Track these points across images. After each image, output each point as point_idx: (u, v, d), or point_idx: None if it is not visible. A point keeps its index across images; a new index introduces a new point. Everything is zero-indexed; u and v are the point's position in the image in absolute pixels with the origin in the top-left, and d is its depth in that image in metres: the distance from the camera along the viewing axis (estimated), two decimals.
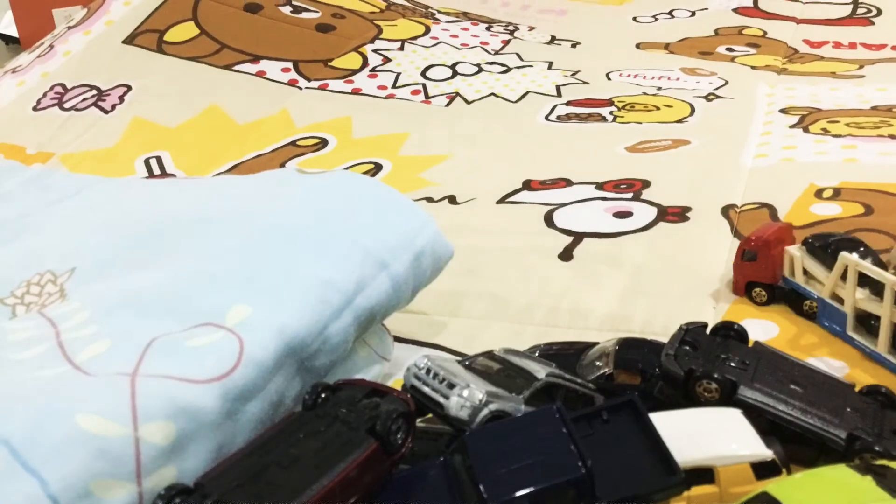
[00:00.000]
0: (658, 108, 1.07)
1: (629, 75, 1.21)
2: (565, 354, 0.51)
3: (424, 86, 1.17)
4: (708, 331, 0.48)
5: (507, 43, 1.32)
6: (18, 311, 0.50)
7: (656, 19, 1.51)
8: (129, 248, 0.52)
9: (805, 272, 0.57)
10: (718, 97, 1.10)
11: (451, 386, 0.42)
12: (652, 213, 0.76)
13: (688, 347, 0.46)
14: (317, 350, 0.46)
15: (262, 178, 0.61)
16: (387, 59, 1.22)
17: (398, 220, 0.54)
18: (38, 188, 0.64)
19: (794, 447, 0.41)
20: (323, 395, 0.42)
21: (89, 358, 0.42)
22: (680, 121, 1.02)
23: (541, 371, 0.44)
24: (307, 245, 0.50)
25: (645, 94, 1.13)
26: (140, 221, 0.55)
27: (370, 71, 1.20)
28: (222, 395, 0.40)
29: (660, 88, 1.15)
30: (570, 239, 0.73)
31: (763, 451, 0.39)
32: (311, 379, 0.46)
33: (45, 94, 1.18)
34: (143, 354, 0.41)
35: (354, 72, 1.20)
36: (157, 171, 1.00)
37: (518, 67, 1.23)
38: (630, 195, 0.80)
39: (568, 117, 1.07)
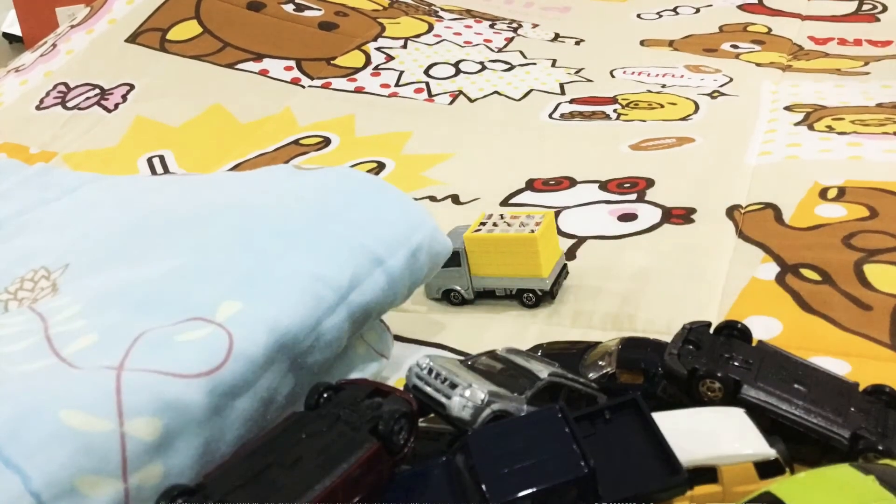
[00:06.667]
0: (662, 106, 1.07)
1: (633, 73, 1.21)
2: (568, 354, 0.51)
3: (427, 84, 1.17)
4: (711, 330, 0.48)
5: (510, 41, 1.32)
6: (11, 307, 0.49)
7: (660, 16, 1.51)
8: (123, 243, 0.52)
9: None
10: (723, 94, 1.10)
11: (454, 386, 0.42)
12: (657, 214, 0.76)
13: (691, 347, 0.45)
14: (310, 346, 0.45)
15: (259, 174, 0.61)
16: (390, 58, 1.22)
17: (394, 215, 0.53)
18: (37, 186, 0.63)
19: (797, 446, 0.41)
20: (325, 395, 0.41)
21: (76, 351, 0.41)
22: (684, 118, 1.02)
23: (543, 371, 0.44)
24: (301, 240, 0.49)
25: (649, 91, 1.13)
26: (135, 217, 0.55)
27: (373, 69, 1.20)
28: (210, 391, 0.40)
29: (664, 86, 1.15)
30: (573, 240, 0.73)
31: (766, 451, 0.39)
32: (304, 376, 0.45)
33: (48, 94, 1.18)
34: (129, 348, 0.40)
35: (357, 70, 1.20)
36: (160, 170, 1.00)
37: (521, 65, 1.23)
38: (634, 195, 0.80)
39: (572, 115, 1.06)
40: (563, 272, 0.66)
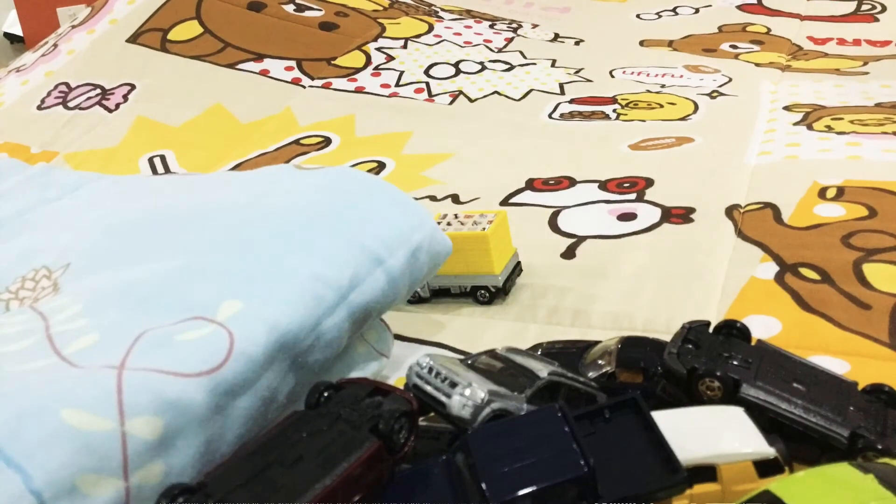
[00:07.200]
0: (661, 106, 1.07)
1: (633, 73, 1.21)
2: (567, 353, 0.51)
3: (428, 84, 1.17)
4: (710, 329, 0.48)
5: (510, 41, 1.32)
6: (12, 306, 0.49)
7: (660, 16, 1.51)
8: (125, 242, 0.52)
9: None
10: (722, 94, 1.10)
11: (454, 385, 0.42)
12: (656, 214, 0.76)
13: (690, 346, 0.45)
14: (310, 346, 0.45)
15: (259, 174, 0.61)
16: (390, 58, 1.22)
17: (394, 215, 0.54)
18: (38, 186, 0.64)
19: (796, 445, 0.41)
20: (325, 394, 0.41)
21: (77, 350, 0.41)
22: (683, 118, 1.02)
23: (543, 370, 0.44)
24: (301, 240, 0.49)
25: (648, 91, 1.13)
26: (136, 216, 0.55)
27: (373, 69, 1.20)
28: (211, 390, 0.40)
29: (663, 86, 1.15)
30: (573, 239, 0.73)
31: (765, 449, 0.39)
32: (305, 375, 0.46)
33: (49, 93, 1.18)
34: (131, 347, 0.40)
35: (358, 70, 1.20)
36: (160, 169, 1.00)
37: (521, 65, 1.23)
38: (633, 195, 0.80)
39: (571, 115, 1.07)
40: (516, 269, 0.67)
